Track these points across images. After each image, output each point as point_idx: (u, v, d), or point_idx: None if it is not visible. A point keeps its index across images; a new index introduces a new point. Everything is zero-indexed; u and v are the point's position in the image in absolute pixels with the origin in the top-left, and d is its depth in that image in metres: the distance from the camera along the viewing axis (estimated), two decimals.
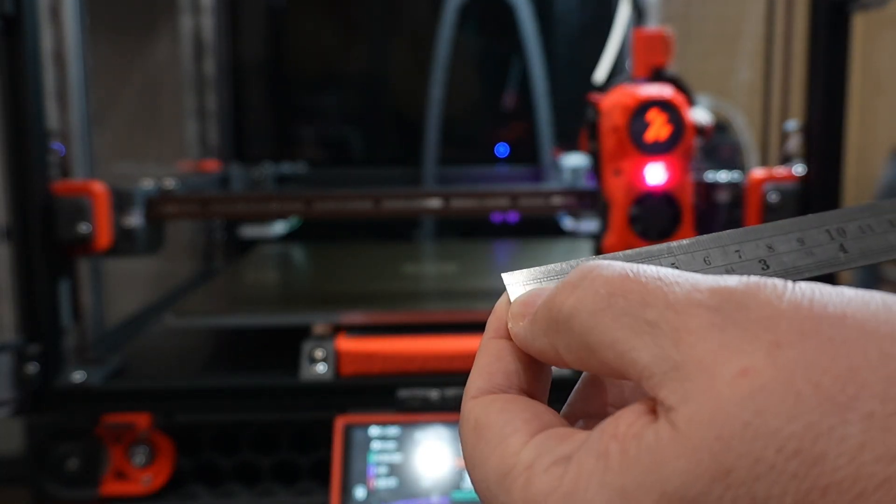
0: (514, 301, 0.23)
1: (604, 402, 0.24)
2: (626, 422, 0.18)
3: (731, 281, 0.19)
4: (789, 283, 0.18)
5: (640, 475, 0.17)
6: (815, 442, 0.16)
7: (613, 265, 0.20)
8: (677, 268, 0.25)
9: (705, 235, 0.25)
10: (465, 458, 0.22)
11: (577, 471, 0.19)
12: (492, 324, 0.23)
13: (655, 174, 0.69)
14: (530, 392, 0.23)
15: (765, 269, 0.25)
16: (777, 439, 0.16)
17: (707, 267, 0.25)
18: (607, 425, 0.19)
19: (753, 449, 0.16)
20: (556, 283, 0.22)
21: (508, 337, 0.23)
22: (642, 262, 0.24)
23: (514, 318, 0.22)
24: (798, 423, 0.16)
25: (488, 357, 0.23)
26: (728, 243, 0.25)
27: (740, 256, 0.25)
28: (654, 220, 0.69)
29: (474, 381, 0.23)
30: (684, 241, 0.25)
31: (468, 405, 0.22)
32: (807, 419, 0.16)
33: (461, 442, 0.22)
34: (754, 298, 0.18)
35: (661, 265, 0.25)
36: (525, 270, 0.24)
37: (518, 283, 0.24)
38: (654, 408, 0.18)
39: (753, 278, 0.19)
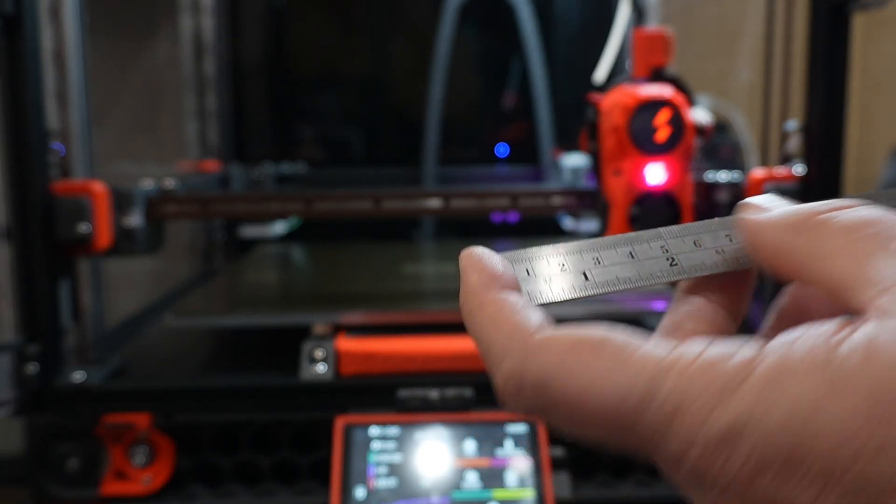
0: (758, 198, 0.24)
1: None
2: (829, 325, 0.19)
3: None
4: None
5: (858, 360, 0.18)
6: None
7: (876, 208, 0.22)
8: (667, 251, 0.25)
9: (695, 223, 0.26)
10: (559, 387, 0.21)
11: (783, 355, 0.19)
12: (486, 280, 0.23)
13: (655, 174, 0.69)
14: None
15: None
16: None
17: (697, 249, 0.25)
18: (807, 327, 0.20)
19: None
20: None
21: (507, 290, 0.23)
22: (633, 246, 0.25)
23: (754, 209, 0.24)
24: None
25: (512, 303, 0.23)
26: (717, 228, 0.25)
27: (731, 240, 0.25)
28: (655, 220, 0.69)
29: (520, 320, 0.22)
30: (674, 227, 0.26)
31: (540, 338, 0.21)
32: None
33: (535, 379, 0.21)
34: None
35: (651, 248, 0.25)
36: (504, 253, 0.25)
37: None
38: (848, 323, 0.19)
39: None
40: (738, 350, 0.20)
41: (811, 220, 0.22)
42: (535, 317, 0.22)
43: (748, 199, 0.24)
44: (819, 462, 0.18)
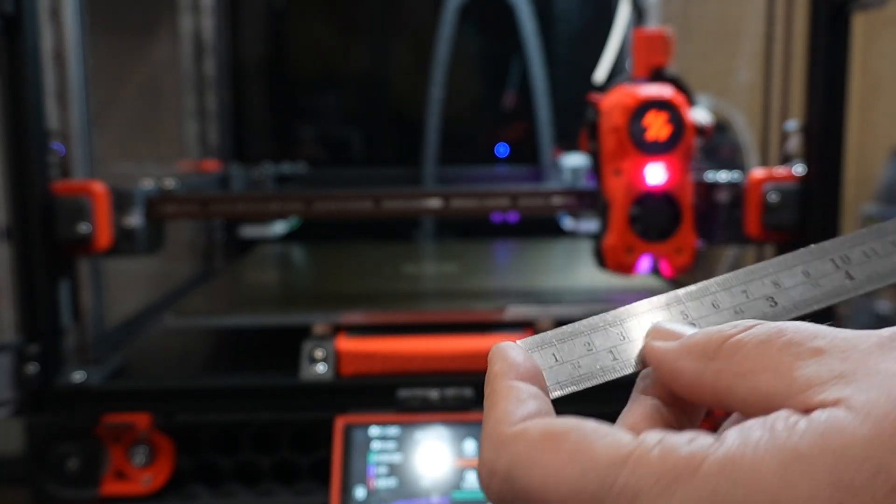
0: (659, 325, 0.25)
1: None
2: (784, 412, 0.20)
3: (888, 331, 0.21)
4: None
5: (816, 439, 0.19)
6: None
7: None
8: (686, 315, 0.25)
9: (711, 280, 0.26)
10: (523, 477, 0.21)
11: (739, 439, 0.19)
12: (505, 369, 0.24)
13: (655, 174, 0.69)
14: None
15: (773, 305, 0.25)
16: None
17: (716, 311, 0.25)
18: (760, 418, 0.20)
19: None
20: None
21: (523, 379, 0.24)
22: (649, 315, 0.25)
23: (659, 337, 0.24)
24: None
25: (516, 393, 0.23)
26: (734, 284, 0.25)
27: (747, 296, 0.25)
28: (654, 220, 0.69)
29: (508, 412, 0.23)
30: (692, 288, 0.26)
31: (514, 430, 0.22)
32: None
33: (504, 468, 0.22)
34: None
35: (671, 313, 0.25)
36: (529, 339, 0.25)
37: (522, 346, 0.25)
38: (794, 414, 0.20)
39: None
40: (695, 438, 0.20)
41: (725, 345, 0.22)
42: (527, 407, 0.23)
43: (656, 325, 0.25)
44: None
